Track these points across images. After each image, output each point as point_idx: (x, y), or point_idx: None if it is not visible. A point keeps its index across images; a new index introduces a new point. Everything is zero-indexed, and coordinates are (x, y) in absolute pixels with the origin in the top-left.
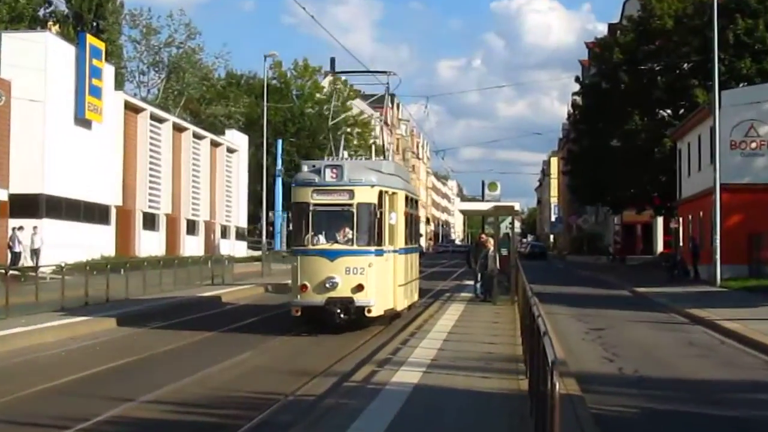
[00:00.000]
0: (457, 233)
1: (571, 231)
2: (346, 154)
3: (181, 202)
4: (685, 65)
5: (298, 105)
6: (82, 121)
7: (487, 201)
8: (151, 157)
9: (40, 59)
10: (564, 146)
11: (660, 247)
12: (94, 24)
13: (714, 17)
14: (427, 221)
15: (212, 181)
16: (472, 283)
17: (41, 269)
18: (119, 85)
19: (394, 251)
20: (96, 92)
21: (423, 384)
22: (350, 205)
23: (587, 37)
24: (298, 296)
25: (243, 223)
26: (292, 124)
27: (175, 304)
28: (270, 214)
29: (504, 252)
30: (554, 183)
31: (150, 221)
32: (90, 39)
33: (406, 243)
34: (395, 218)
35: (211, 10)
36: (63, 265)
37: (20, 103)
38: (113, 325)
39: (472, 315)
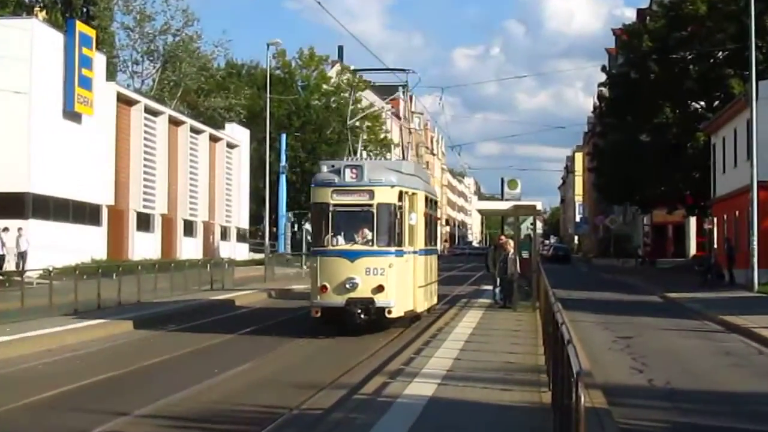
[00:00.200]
0: (475, 234)
1: (597, 232)
2: (365, 154)
3: (178, 201)
4: (720, 54)
5: (304, 97)
6: (71, 114)
7: (507, 200)
8: (145, 153)
9: (26, 48)
10: (589, 141)
11: (693, 250)
12: (84, 10)
13: (751, 1)
14: (446, 222)
15: (211, 178)
16: (490, 288)
17: (27, 273)
18: (111, 75)
19: (414, 252)
20: (86, 83)
21: (438, 397)
22: (370, 205)
23: (614, 23)
24: (318, 297)
25: (244, 224)
26: (297, 118)
27: (171, 312)
28: (273, 214)
29: (525, 255)
30: (579, 180)
31: (144, 222)
32: (79, 26)
33: (425, 244)
34: (415, 219)
35: None
36: (51, 269)
37: (4, 95)
38: (106, 333)
39: (490, 322)
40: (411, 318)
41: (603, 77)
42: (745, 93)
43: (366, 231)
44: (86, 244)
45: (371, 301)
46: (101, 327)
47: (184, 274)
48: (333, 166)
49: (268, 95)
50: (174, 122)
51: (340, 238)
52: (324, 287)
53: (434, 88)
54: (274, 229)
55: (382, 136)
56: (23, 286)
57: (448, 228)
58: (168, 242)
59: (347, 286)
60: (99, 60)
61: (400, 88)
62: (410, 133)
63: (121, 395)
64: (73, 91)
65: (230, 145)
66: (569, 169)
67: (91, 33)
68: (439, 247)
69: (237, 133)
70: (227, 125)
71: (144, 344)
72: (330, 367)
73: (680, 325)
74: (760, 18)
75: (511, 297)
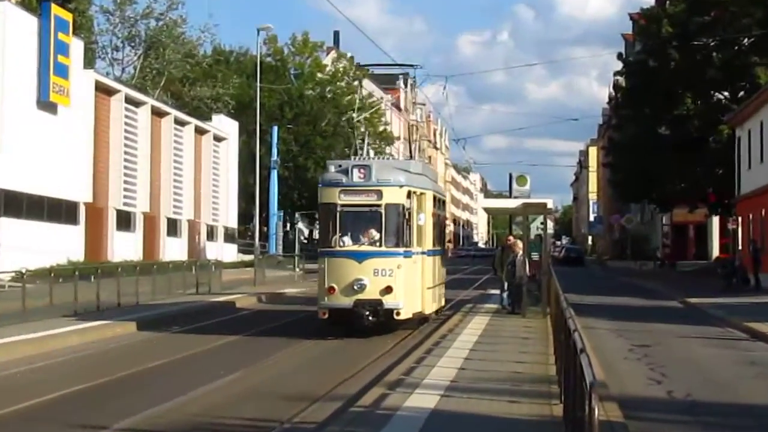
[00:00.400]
0: (481, 234)
1: (613, 232)
2: (372, 153)
3: (161, 198)
4: (746, 40)
5: (297, 86)
6: (45, 104)
7: (515, 197)
8: (126, 146)
9: None
10: (604, 134)
11: (715, 251)
12: None
13: None
14: (454, 222)
15: (197, 174)
16: (497, 292)
17: None
18: (89, 63)
19: (423, 253)
20: (62, 71)
21: (440, 409)
22: (378, 205)
23: (631, 7)
24: (326, 298)
25: (233, 223)
26: (290, 109)
27: (155, 317)
28: (264, 212)
29: (535, 257)
30: (593, 177)
31: (125, 220)
32: (55, 9)
33: (433, 245)
34: (423, 219)
35: None
36: (24, 271)
37: None
38: (84, 339)
39: (497, 329)
40: (419, 320)
41: (619, 65)
42: None
43: (374, 231)
44: (62, 244)
45: (379, 302)
46: (80, 333)
47: (168, 277)
48: (340, 165)
49: (258, 84)
50: (157, 113)
51: (348, 239)
52: (332, 288)
53: (437, 78)
54: (265, 228)
55: (381, 128)
56: None
57: (452, 227)
58: (150, 242)
59: (355, 287)
60: (76, 46)
61: (401, 77)
62: (417, 129)
63: (102, 406)
64: (48, 79)
65: (218, 138)
66: (582, 165)
67: (68, 17)
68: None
69: (225, 126)
70: (214, 117)
71: (129, 350)
72: (326, 375)
73: (702, 333)
74: None
75: (520, 302)
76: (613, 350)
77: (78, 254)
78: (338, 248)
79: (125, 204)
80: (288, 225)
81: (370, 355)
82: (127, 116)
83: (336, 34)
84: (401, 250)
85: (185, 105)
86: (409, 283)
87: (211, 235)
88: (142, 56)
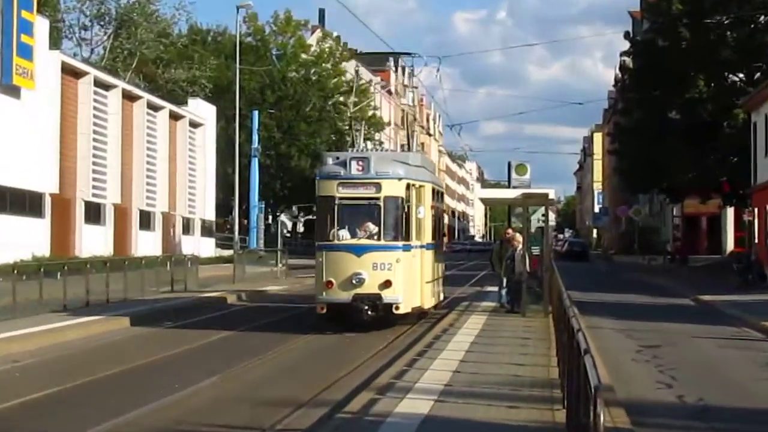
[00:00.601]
0: (477, 227)
1: (620, 225)
2: (369, 144)
3: (133, 189)
4: (762, 18)
5: (279, 68)
6: (8, 88)
7: (515, 187)
8: (95, 133)
9: None
10: (610, 119)
11: (730, 245)
12: None
13: None
14: (458, 216)
15: (172, 162)
16: (495, 289)
17: None
18: (55, 43)
19: (422, 246)
20: (26, 52)
21: (434, 415)
22: (377, 198)
23: None
24: (324, 293)
25: (210, 215)
26: (272, 92)
27: (138, 314)
28: (244, 204)
29: (535, 251)
30: (598, 165)
31: (94, 213)
32: None
33: (432, 238)
34: (423, 212)
35: None
36: None
37: None
38: (53, 340)
39: (495, 329)
40: (418, 314)
41: (626, 45)
42: None
43: (372, 225)
44: (26, 238)
45: (378, 296)
46: (48, 334)
47: (141, 274)
48: (338, 158)
49: (237, 66)
50: (128, 97)
51: (346, 232)
52: (330, 283)
53: (430, 58)
54: (245, 221)
55: (369, 113)
56: None
57: (446, 220)
58: (121, 236)
59: (354, 281)
60: (41, 25)
61: (390, 58)
62: (415, 119)
63: (70, 412)
64: (11, 61)
65: (194, 124)
66: (587, 152)
67: None
68: None
69: (202, 110)
70: (190, 101)
71: (102, 352)
72: (312, 378)
73: (715, 333)
74: None
75: (520, 300)
76: (620, 351)
77: (44, 249)
78: (336, 242)
79: (94, 195)
80: (270, 217)
81: (360, 357)
82: (96, 100)
83: (321, 12)
84: (400, 243)
85: (159, 88)
86: (408, 277)
87: (187, 228)
88: (113, 36)
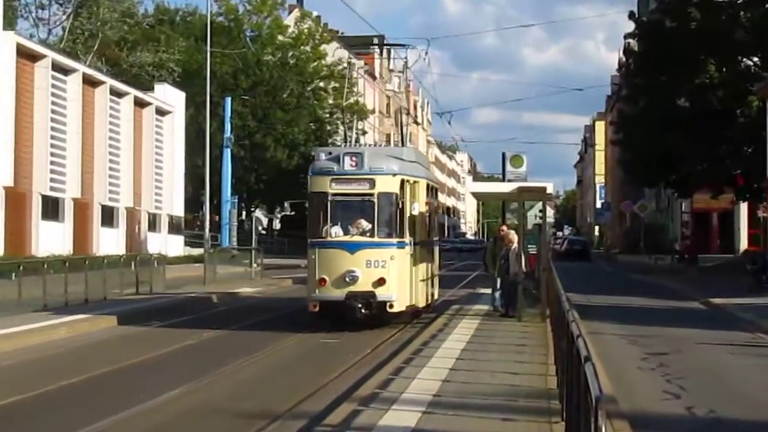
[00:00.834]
0: (469, 224)
1: (624, 222)
2: (363, 140)
3: (95, 182)
4: None
5: (253, 51)
6: None
7: (510, 181)
8: (53, 120)
9: None
10: (614, 107)
11: (743, 244)
12: None
13: None
14: (448, 212)
15: (137, 153)
16: (488, 291)
17: None
18: (10, 23)
19: (416, 244)
20: None
21: (421, 429)
22: (371, 194)
23: None
24: (316, 291)
25: (178, 211)
26: (246, 77)
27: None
28: (215, 198)
29: (532, 250)
30: (600, 156)
31: (52, 208)
32: None
33: (427, 235)
34: (417, 208)
35: None
36: None
37: None
38: (12, 346)
39: (488, 335)
40: (412, 313)
41: (631, 26)
42: None
43: (365, 222)
44: None
45: (372, 294)
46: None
47: (103, 274)
48: (330, 153)
49: (208, 49)
50: (89, 82)
51: (339, 229)
52: (323, 280)
53: (418, 40)
54: (217, 217)
55: (352, 100)
56: None
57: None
58: (82, 234)
59: (347, 279)
60: None
61: (374, 40)
62: (408, 114)
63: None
64: None
65: (161, 112)
66: (588, 143)
67: None
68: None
69: (169, 97)
70: (157, 86)
71: (67, 358)
72: (290, 386)
73: (727, 339)
74: None
75: (515, 303)
76: (624, 359)
77: None
78: (330, 239)
79: (52, 189)
80: (243, 213)
81: (342, 364)
82: (54, 86)
83: None
84: (394, 240)
85: (123, 73)
86: (402, 274)
87: (153, 225)
88: (72, 15)
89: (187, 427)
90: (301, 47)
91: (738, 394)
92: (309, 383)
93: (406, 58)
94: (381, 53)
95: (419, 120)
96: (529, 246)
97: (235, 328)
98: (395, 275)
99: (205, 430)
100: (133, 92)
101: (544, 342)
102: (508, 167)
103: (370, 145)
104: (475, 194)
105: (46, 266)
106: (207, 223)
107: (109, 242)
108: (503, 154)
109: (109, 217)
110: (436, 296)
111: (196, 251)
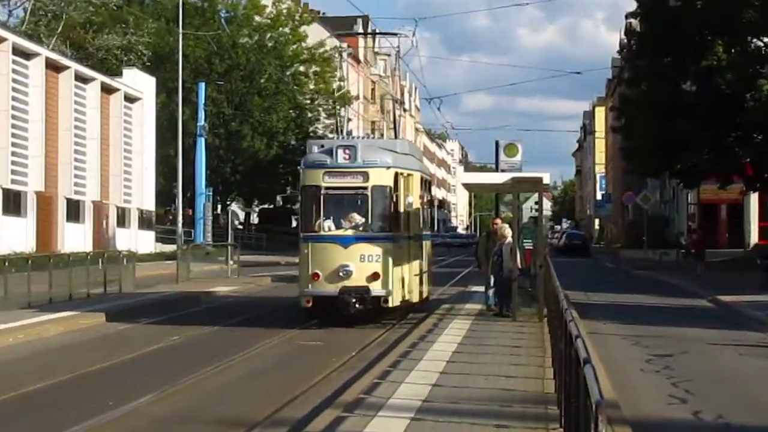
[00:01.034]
0: (460, 217)
1: (626, 214)
2: (355, 132)
3: (59, 174)
4: None
5: (229, 33)
6: None
7: (503, 171)
8: (14, 108)
9: None
10: (614, 91)
11: (754, 237)
12: None
13: None
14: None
15: (104, 143)
16: (481, 289)
17: None
18: None
19: (410, 238)
20: None
21: None
22: (365, 188)
23: None
24: (309, 285)
25: (149, 204)
26: (220, 61)
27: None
28: (188, 191)
29: (528, 245)
30: (600, 144)
31: (14, 202)
32: None
33: (421, 229)
34: (412, 202)
35: None
36: None
37: None
38: None
39: (481, 335)
40: (406, 308)
41: (633, 5)
42: None
43: (358, 216)
44: None
45: (366, 289)
46: None
47: (68, 272)
48: (323, 146)
49: (180, 31)
50: (53, 67)
51: (331, 223)
52: (316, 275)
53: (405, 20)
54: (190, 211)
55: (335, 85)
56: None
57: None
58: (45, 229)
59: (341, 273)
60: None
61: (359, 20)
62: (401, 103)
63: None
64: None
65: (130, 98)
66: (587, 130)
67: None
68: None
69: (139, 82)
70: (125, 71)
71: (32, 363)
72: (271, 392)
73: (737, 339)
74: None
75: (509, 301)
76: (627, 361)
77: None
78: (323, 233)
79: (14, 182)
80: (219, 207)
81: (326, 367)
82: (15, 71)
83: None
84: (389, 234)
85: (89, 57)
86: (396, 269)
87: (122, 220)
88: None
89: None
90: (280, 29)
91: (748, 398)
92: (290, 388)
93: (398, 47)
94: (365, 35)
95: (407, 106)
96: (524, 241)
97: (217, 327)
98: (389, 270)
99: None
100: (100, 78)
101: (540, 343)
102: (502, 156)
103: (361, 137)
104: (466, 186)
105: (7, 264)
106: (180, 218)
107: (74, 238)
108: (496, 143)
109: (74, 211)
110: (430, 290)
111: (169, 248)
